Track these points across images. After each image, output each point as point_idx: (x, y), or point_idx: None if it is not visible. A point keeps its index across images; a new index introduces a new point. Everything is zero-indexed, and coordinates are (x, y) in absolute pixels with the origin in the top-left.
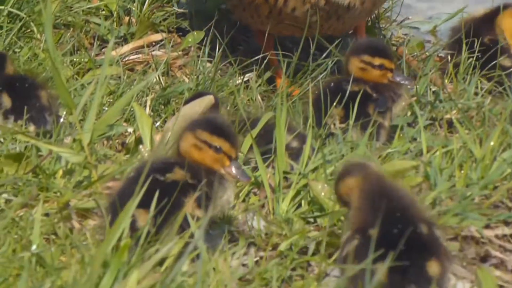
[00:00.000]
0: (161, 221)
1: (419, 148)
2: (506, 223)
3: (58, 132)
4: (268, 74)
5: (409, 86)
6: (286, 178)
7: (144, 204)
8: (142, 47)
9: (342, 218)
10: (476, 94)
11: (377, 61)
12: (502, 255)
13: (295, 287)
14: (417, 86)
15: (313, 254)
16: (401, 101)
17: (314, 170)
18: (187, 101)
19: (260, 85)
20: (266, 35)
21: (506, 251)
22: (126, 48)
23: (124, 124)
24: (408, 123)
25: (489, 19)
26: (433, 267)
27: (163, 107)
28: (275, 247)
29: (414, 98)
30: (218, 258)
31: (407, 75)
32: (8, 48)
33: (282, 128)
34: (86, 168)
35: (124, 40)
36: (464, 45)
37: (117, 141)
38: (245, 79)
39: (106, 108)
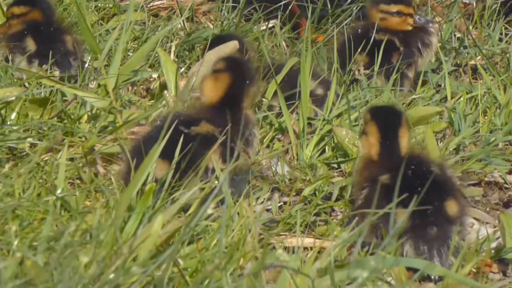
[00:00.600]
0: (184, 170)
1: (444, 94)
2: None
3: (83, 77)
4: (292, 21)
5: (431, 28)
6: (310, 124)
7: (165, 154)
8: None
9: None
10: (500, 40)
11: (393, 8)
12: None
13: (319, 232)
14: (442, 32)
15: (337, 199)
16: (430, 50)
17: (338, 116)
18: (211, 44)
19: (284, 31)
20: None
21: None
22: None
23: (149, 69)
24: (433, 69)
25: None
26: (452, 207)
27: (187, 53)
28: (298, 192)
29: (439, 44)
30: (242, 203)
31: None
32: None
33: (307, 74)
34: (111, 113)
35: None
36: None
37: (141, 86)
38: (270, 25)
39: (131, 54)
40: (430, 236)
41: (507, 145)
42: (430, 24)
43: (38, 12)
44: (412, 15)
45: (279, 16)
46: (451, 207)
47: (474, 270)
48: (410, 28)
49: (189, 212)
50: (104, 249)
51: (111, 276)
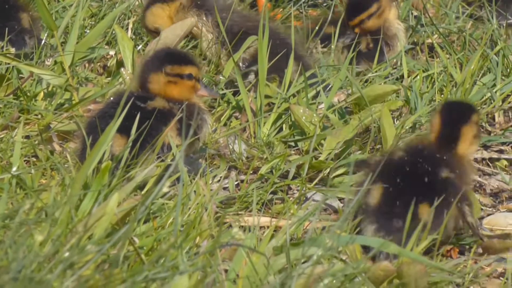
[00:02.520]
0: (140, 146)
1: (400, 73)
2: (485, 147)
3: (39, 54)
4: None
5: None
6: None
7: (122, 130)
8: None
9: (323, 141)
10: (457, 18)
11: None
12: (480, 179)
13: (275, 210)
14: (399, 10)
15: (294, 177)
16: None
17: (296, 94)
18: None
19: (243, 8)
20: None
21: (485, 175)
22: None
23: (106, 47)
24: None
25: None
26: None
27: (145, 30)
28: (256, 170)
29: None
30: (198, 181)
31: None
32: None
33: (264, 52)
34: (67, 90)
35: None
36: None
37: (98, 64)
38: (228, 1)
39: (88, 31)
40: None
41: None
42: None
43: None
44: None
45: None
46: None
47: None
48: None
49: (145, 190)
50: (59, 227)
51: (66, 254)
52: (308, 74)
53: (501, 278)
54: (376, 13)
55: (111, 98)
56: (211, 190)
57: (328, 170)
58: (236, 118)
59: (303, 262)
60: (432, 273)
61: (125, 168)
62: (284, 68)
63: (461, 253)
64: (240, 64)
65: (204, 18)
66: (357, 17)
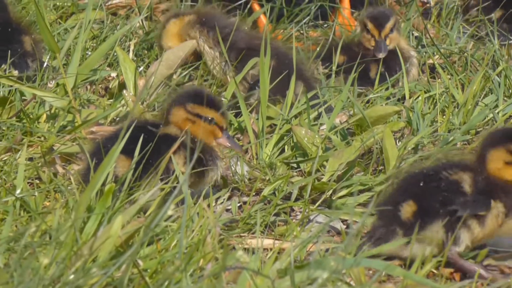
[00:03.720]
0: (143, 169)
1: (402, 94)
2: None
3: (41, 76)
4: (251, 19)
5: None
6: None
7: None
8: None
9: (325, 163)
10: (458, 39)
11: None
12: None
13: (278, 232)
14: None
15: (296, 199)
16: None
17: (298, 115)
18: None
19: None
20: None
21: None
22: None
23: (108, 68)
24: None
25: None
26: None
27: (146, 51)
28: (258, 192)
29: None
30: (201, 203)
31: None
32: None
33: (266, 73)
34: (70, 112)
35: None
36: None
37: (100, 85)
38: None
39: (90, 53)
40: None
41: (465, 144)
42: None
43: None
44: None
45: (237, 15)
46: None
47: (435, 271)
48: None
49: (149, 212)
50: (64, 250)
51: (71, 277)
52: (310, 95)
53: None
54: (395, 27)
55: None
56: (214, 212)
57: (330, 191)
58: (238, 139)
59: (308, 284)
60: None
61: (128, 190)
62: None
63: (465, 276)
64: (249, 80)
65: (207, 35)
66: (387, 24)
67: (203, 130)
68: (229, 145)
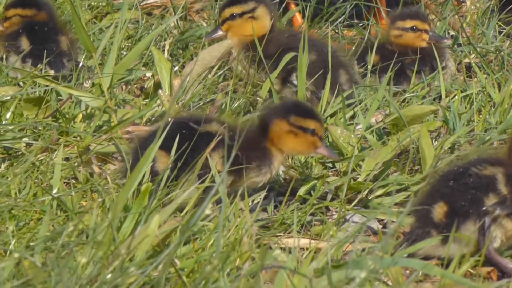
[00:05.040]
0: (181, 167)
1: (438, 93)
2: None
3: (77, 76)
4: (286, 17)
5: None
6: None
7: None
8: None
9: (361, 163)
10: (494, 38)
11: (408, 23)
12: None
13: (314, 232)
14: (436, 31)
15: (332, 199)
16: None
17: (333, 114)
18: None
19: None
20: None
21: None
22: None
23: (143, 68)
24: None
25: None
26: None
27: (181, 51)
28: (294, 192)
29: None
30: (238, 202)
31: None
32: None
33: (303, 71)
34: (106, 112)
35: None
36: None
37: (135, 85)
38: None
39: (125, 53)
40: None
41: (501, 143)
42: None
43: (34, 11)
44: (427, 30)
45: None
46: None
47: (472, 271)
48: (425, 44)
49: (185, 211)
50: (101, 249)
51: (109, 276)
52: (345, 94)
53: None
54: None
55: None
56: (250, 211)
57: (366, 191)
58: None
59: (345, 284)
60: None
61: (166, 188)
62: (337, 84)
63: (502, 275)
64: (293, 81)
65: None
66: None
67: (305, 141)
68: (327, 154)
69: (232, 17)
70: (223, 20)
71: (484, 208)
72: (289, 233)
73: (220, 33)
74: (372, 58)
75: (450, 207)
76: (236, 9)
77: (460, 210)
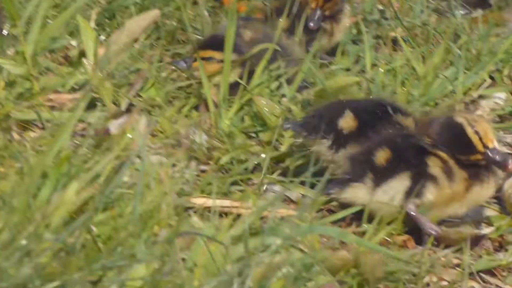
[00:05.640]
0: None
1: (363, 65)
2: None
3: (1, 43)
4: None
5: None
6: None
7: None
8: None
9: (284, 133)
10: (422, 12)
11: None
12: None
13: (235, 200)
14: (364, 4)
15: (254, 168)
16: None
17: (259, 85)
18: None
19: (207, 0)
20: None
21: None
22: None
23: (68, 37)
24: (353, 40)
25: None
26: None
27: (108, 20)
28: (216, 161)
29: (361, 16)
30: (158, 170)
31: None
32: None
33: (230, 44)
34: (28, 80)
35: None
36: None
37: (60, 54)
38: None
39: (50, 21)
40: None
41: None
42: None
43: None
44: None
45: None
46: None
47: (388, 239)
48: None
49: (104, 179)
50: (16, 215)
51: (23, 242)
52: (272, 66)
53: (457, 268)
54: None
55: None
56: (171, 179)
57: (289, 161)
58: (197, 109)
59: (262, 251)
60: (389, 262)
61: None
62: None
63: (418, 243)
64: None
65: None
66: None
67: None
68: None
69: None
70: None
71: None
72: (209, 201)
73: None
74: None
75: (393, 154)
76: None
77: (398, 159)
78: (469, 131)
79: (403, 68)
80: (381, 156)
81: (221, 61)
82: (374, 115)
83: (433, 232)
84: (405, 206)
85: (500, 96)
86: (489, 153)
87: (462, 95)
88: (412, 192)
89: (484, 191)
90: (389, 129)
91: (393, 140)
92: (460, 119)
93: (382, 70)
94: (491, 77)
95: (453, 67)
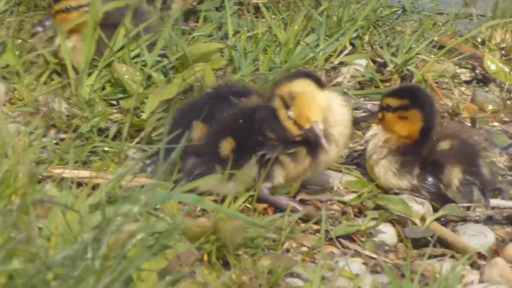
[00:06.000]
0: None
1: (225, 32)
2: None
3: None
4: None
5: None
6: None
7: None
8: None
9: (145, 100)
10: None
11: None
12: None
13: (94, 168)
14: None
15: (115, 136)
16: None
17: (119, 51)
18: None
19: None
20: None
21: None
22: None
23: None
24: (216, 8)
25: None
26: None
27: None
28: (76, 129)
29: None
30: (15, 139)
31: None
32: None
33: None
34: None
35: None
36: None
37: None
38: None
39: None
40: None
41: None
42: None
43: None
44: None
45: None
46: None
47: (249, 206)
48: None
49: None
50: None
51: None
52: (134, 31)
53: (317, 234)
54: None
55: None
56: (29, 146)
57: (150, 129)
58: (58, 75)
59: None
60: (248, 229)
61: None
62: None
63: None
64: None
65: None
66: None
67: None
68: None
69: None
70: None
71: (261, 147)
72: (67, 169)
73: None
74: None
75: (236, 144)
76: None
77: (243, 148)
78: (282, 117)
79: (265, 35)
80: (226, 147)
81: (79, 7)
82: (220, 110)
83: (296, 206)
84: (258, 191)
85: (360, 63)
86: (308, 132)
87: (323, 62)
88: (260, 178)
89: (326, 157)
90: (236, 118)
91: (236, 130)
92: (276, 102)
93: (244, 37)
94: (352, 44)
95: (314, 33)
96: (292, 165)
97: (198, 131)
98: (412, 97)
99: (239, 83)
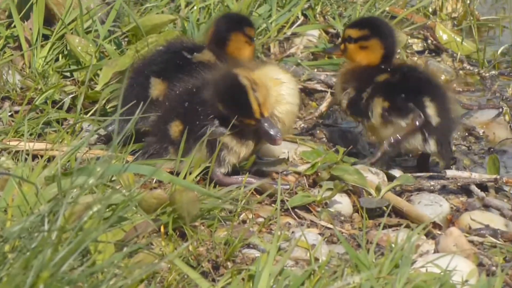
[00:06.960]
0: None
1: (178, 3)
2: None
3: None
4: None
5: None
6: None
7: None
8: None
9: (99, 72)
10: None
11: None
12: None
13: (50, 140)
14: None
15: (69, 108)
16: None
17: (72, 21)
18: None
19: None
20: None
21: None
22: None
23: None
24: None
25: None
26: None
27: None
28: (30, 101)
29: None
30: None
31: None
32: None
33: None
34: None
35: None
36: None
37: None
38: None
39: None
40: None
41: None
42: None
43: None
44: None
45: None
46: None
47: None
48: None
49: None
50: None
51: None
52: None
53: (272, 205)
54: None
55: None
56: None
57: (104, 100)
58: (10, 48)
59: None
60: (205, 200)
61: None
62: None
63: None
64: None
65: None
66: None
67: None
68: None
69: None
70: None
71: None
72: (22, 141)
73: None
74: None
75: (184, 126)
76: None
77: (193, 130)
78: (251, 96)
79: (217, 5)
80: (175, 130)
81: None
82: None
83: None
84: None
85: (313, 33)
86: (263, 122)
87: (276, 33)
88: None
89: None
90: (192, 73)
91: (184, 113)
92: (244, 81)
93: (196, 8)
94: (304, 15)
95: (266, 4)
96: (239, 146)
97: (157, 87)
98: (372, 28)
99: (190, 38)
